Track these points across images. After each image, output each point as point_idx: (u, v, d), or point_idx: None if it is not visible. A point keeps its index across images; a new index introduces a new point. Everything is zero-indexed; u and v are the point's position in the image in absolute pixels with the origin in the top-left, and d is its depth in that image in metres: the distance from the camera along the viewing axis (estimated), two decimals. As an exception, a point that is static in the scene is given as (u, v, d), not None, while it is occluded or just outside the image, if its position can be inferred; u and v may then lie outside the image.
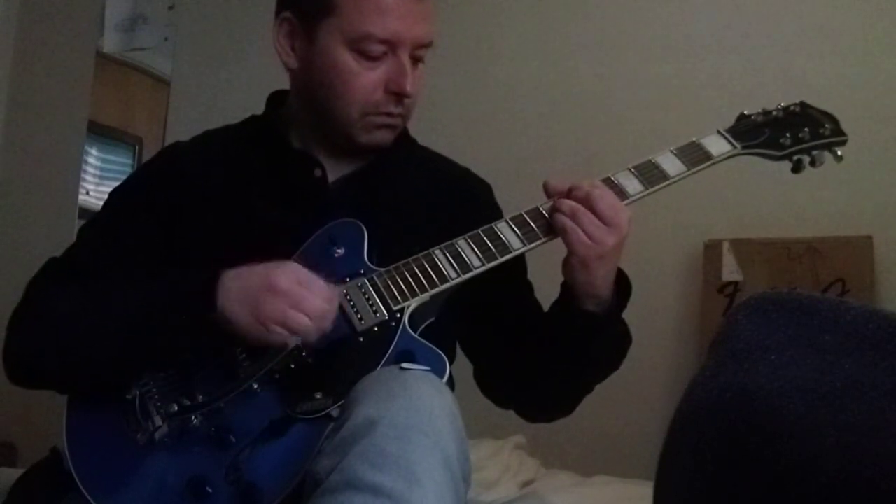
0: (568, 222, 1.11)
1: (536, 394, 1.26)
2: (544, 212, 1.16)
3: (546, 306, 1.30)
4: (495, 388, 1.31)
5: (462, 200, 1.31)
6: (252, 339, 1.06)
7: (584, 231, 1.10)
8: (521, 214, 1.17)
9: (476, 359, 1.32)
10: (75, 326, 1.13)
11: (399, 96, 1.19)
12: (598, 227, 1.11)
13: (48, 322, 1.15)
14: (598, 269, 1.12)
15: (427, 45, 1.21)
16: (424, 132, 1.35)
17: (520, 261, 1.27)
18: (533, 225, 1.16)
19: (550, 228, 1.16)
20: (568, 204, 1.12)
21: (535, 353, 1.22)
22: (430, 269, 1.13)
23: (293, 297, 1.04)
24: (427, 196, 1.29)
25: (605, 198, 1.12)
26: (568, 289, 1.16)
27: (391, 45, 1.17)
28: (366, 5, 1.16)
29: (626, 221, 1.12)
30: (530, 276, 1.34)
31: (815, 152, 1.26)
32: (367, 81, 1.18)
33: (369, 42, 1.16)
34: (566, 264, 1.14)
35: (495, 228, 1.16)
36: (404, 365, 0.99)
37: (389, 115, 1.21)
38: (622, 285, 1.18)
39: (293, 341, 1.05)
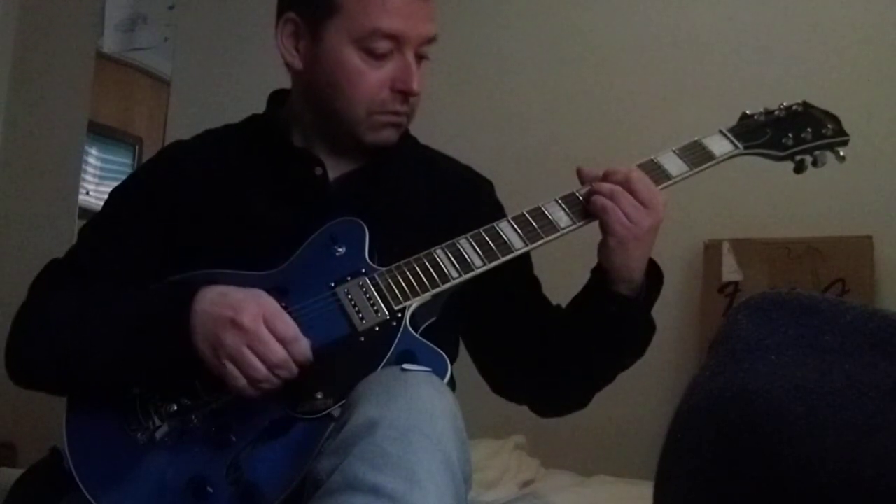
0: (608, 203, 1.13)
1: (557, 387, 1.26)
2: (546, 211, 1.17)
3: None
4: (509, 385, 1.31)
5: (464, 198, 1.31)
6: (209, 367, 1.04)
7: (622, 212, 1.12)
8: (523, 214, 1.17)
9: (485, 357, 1.32)
10: (72, 333, 1.13)
11: (405, 95, 1.20)
12: (637, 208, 1.13)
13: (46, 327, 1.16)
14: (635, 250, 1.14)
15: (431, 41, 1.21)
16: (426, 131, 1.35)
17: (525, 258, 1.27)
18: (535, 224, 1.16)
19: (552, 227, 1.16)
20: (607, 186, 1.14)
21: (556, 344, 1.22)
22: (431, 269, 1.13)
23: (252, 335, 1.02)
24: (428, 194, 1.30)
25: (642, 180, 1.15)
26: (602, 273, 1.17)
27: (397, 43, 1.17)
28: (372, 4, 1.16)
29: (662, 204, 1.14)
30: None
31: (817, 152, 1.26)
32: (374, 80, 1.18)
33: (376, 39, 1.16)
34: (603, 247, 1.15)
35: (497, 228, 1.16)
36: (405, 366, 0.99)
37: (395, 113, 1.21)
38: (653, 275, 1.19)
39: (239, 382, 1.03)
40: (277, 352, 1.02)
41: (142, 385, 1.09)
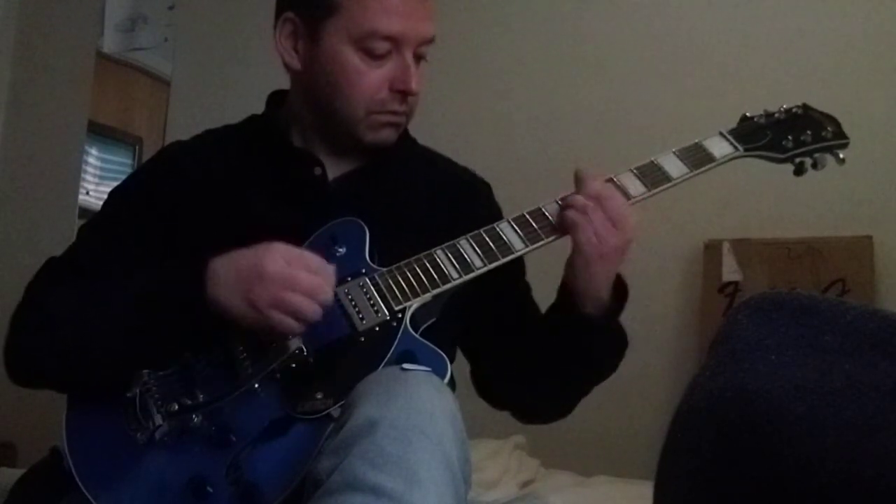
0: (579, 217, 1.13)
1: (533, 395, 1.27)
2: (546, 212, 1.17)
3: (545, 308, 1.31)
4: (492, 388, 1.31)
5: (462, 200, 1.31)
6: (250, 326, 1.06)
7: (592, 228, 1.12)
8: (523, 215, 1.17)
9: (473, 359, 1.33)
10: (74, 327, 1.13)
11: (404, 94, 1.20)
12: (606, 226, 1.12)
13: (48, 323, 1.15)
14: (600, 268, 1.13)
15: (430, 42, 1.21)
16: (424, 132, 1.35)
17: (519, 262, 1.27)
18: (535, 225, 1.16)
19: (552, 229, 1.16)
20: (580, 200, 1.14)
21: (533, 354, 1.22)
22: (431, 270, 1.13)
23: (284, 278, 1.04)
24: (427, 195, 1.30)
25: (614, 197, 1.14)
26: (567, 290, 1.17)
27: (396, 43, 1.18)
28: (370, 4, 1.16)
29: (632, 226, 1.14)
30: (531, 278, 1.34)
31: (816, 155, 1.26)
32: (373, 80, 1.18)
33: (374, 40, 1.16)
34: (570, 263, 1.15)
35: (497, 229, 1.16)
36: (405, 365, 0.99)
37: (394, 113, 1.21)
38: (620, 290, 1.19)
39: (296, 341, 1.05)
40: (312, 280, 1.05)
41: (158, 359, 1.09)
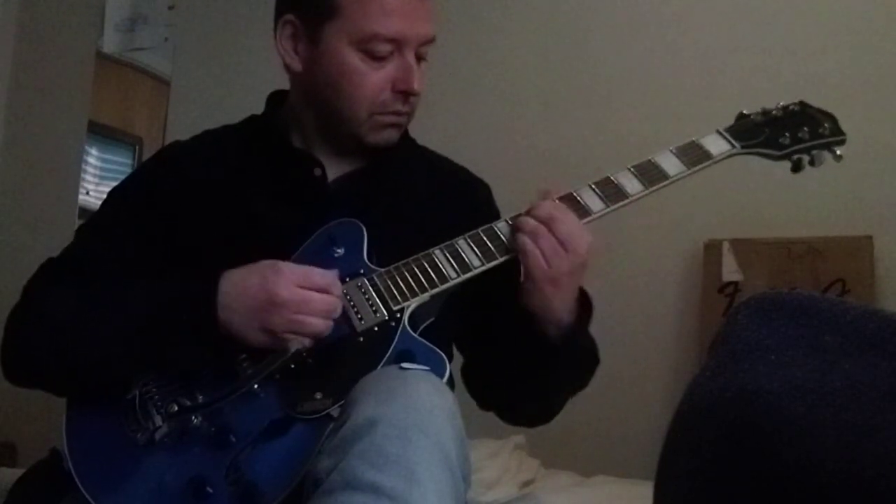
0: (528, 243, 1.11)
1: (514, 399, 1.27)
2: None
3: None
4: (478, 388, 1.31)
5: (461, 200, 1.31)
6: (264, 347, 1.07)
7: (541, 253, 1.10)
8: (521, 215, 1.17)
9: (467, 357, 1.33)
10: (73, 330, 1.13)
11: (406, 95, 1.20)
12: (556, 251, 1.09)
13: (45, 324, 1.15)
14: (553, 294, 1.11)
15: (430, 42, 1.21)
16: (425, 132, 1.35)
17: (517, 262, 1.27)
18: (533, 225, 1.16)
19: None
20: (530, 223, 1.11)
21: (510, 359, 1.21)
22: (430, 269, 1.13)
23: (297, 303, 1.05)
24: (426, 196, 1.30)
25: (565, 221, 1.11)
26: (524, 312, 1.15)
27: (397, 45, 1.18)
28: (371, 7, 1.16)
29: (585, 247, 1.10)
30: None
31: (814, 152, 1.26)
32: (375, 81, 1.18)
33: (376, 42, 1.16)
34: (520, 288, 1.13)
35: (495, 228, 1.16)
36: (404, 365, 0.99)
37: (396, 113, 1.21)
38: (585, 305, 1.17)
39: (295, 343, 1.06)
40: (326, 300, 1.07)
41: (157, 369, 1.09)
